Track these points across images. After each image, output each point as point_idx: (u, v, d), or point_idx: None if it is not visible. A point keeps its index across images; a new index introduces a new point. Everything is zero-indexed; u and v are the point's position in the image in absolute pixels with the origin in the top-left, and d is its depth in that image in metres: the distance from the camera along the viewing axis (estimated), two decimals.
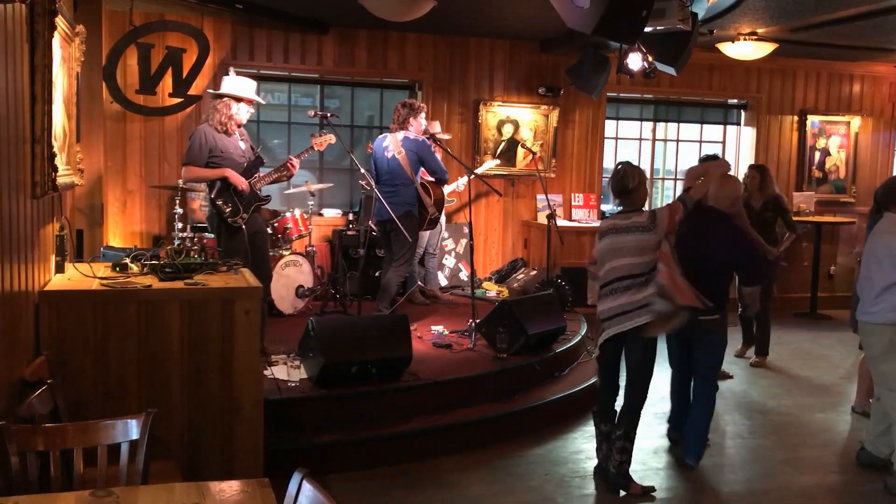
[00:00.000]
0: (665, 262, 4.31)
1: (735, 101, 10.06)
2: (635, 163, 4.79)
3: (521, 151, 8.91)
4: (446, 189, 7.79)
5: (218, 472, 3.71)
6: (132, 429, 2.64)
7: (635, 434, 4.45)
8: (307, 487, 2.09)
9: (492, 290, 8.24)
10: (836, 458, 5.09)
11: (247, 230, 5.61)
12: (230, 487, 2.31)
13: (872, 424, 4.91)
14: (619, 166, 4.50)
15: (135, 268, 4.14)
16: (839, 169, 10.22)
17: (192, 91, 7.73)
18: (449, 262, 8.70)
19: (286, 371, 5.12)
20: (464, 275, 8.69)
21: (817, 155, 10.13)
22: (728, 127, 10.23)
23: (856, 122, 10.21)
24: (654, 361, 4.41)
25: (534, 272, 8.30)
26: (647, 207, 4.55)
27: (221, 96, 5.69)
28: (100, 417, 2.79)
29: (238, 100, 5.66)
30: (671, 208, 4.35)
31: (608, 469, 4.51)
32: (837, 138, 10.19)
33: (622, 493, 4.43)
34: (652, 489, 4.51)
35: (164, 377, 3.67)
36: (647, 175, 4.78)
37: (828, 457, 5.10)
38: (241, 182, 5.60)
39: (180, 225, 6.54)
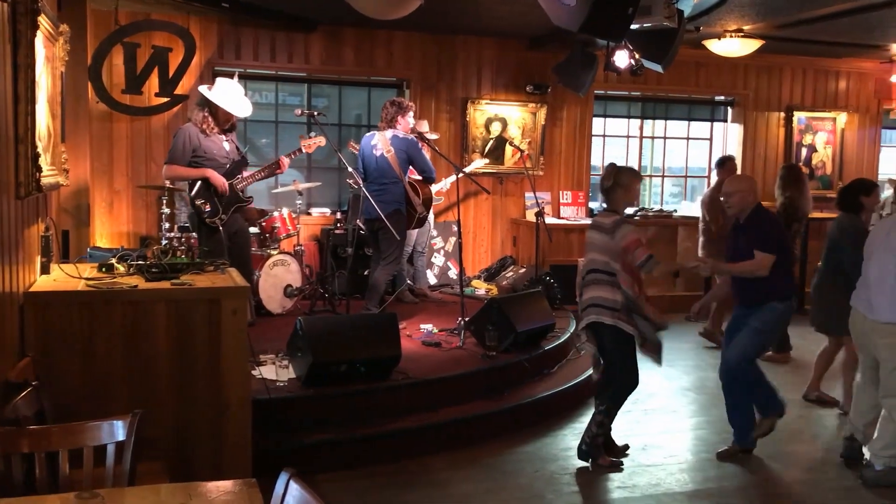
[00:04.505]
0: (632, 275, 4.57)
1: (722, 97, 10.09)
2: (622, 161, 4.91)
3: (509, 149, 8.92)
4: (434, 187, 7.79)
5: (206, 472, 3.69)
6: (118, 430, 2.62)
7: (615, 413, 4.74)
8: (294, 487, 2.08)
9: (481, 288, 8.24)
10: (822, 453, 5.10)
11: (226, 231, 5.63)
12: (217, 488, 2.30)
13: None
14: (608, 166, 4.81)
15: (121, 268, 4.12)
16: (826, 165, 10.27)
17: (179, 90, 7.69)
18: (438, 260, 8.70)
19: (274, 371, 5.09)
20: (453, 273, 8.69)
21: (804, 151, 10.18)
22: (715, 124, 10.27)
23: (842, 118, 10.27)
24: (630, 351, 4.64)
25: (523, 270, 8.31)
26: (630, 210, 4.74)
27: (207, 102, 5.71)
28: (87, 419, 2.77)
29: (219, 111, 5.69)
30: (636, 243, 4.54)
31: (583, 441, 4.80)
32: (824, 134, 10.25)
33: (590, 462, 4.75)
34: (620, 464, 4.78)
35: (151, 378, 3.65)
36: (638, 177, 4.85)
37: (814, 452, 5.12)
38: (222, 183, 5.62)
39: (167, 225, 6.54)
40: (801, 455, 5.04)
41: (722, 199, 5.03)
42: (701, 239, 7.85)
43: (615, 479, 4.62)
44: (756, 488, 4.57)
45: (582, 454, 4.78)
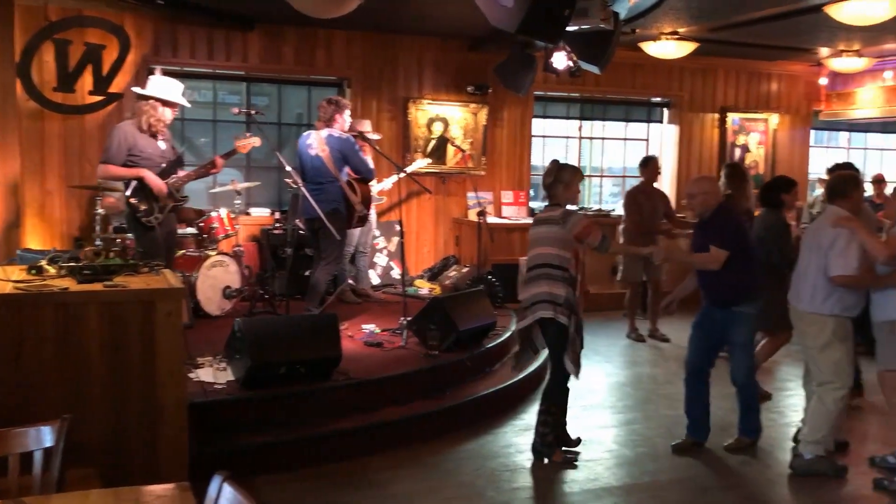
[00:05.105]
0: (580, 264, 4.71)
1: (658, 99, 10.30)
2: (563, 160, 4.99)
3: (451, 149, 8.95)
4: (377, 187, 7.77)
5: (141, 477, 3.62)
6: (45, 436, 2.56)
7: (557, 409, 4.82)
8: (228, 490, 2.06)
9: (424, 287, 8.25)
10: (763, 441, 5.20)
11: (161, 230, 5.56)
12: (149, 492, 2.27)
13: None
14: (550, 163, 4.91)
15: (51, 270, 4.01)
16: (759, 165, 10.56)
17: (114, 89, 7.56)
18: (381, 260, 8.68)
19: (212, 373, 5.03)
20: (396, 273, 8.68)
21: (737, 151, 10.45)
22: (652, 125, 10.47)
23: (774, 119, 10.57)
24: (565, 346, 4.68)
25: (465, 269, 8.34)
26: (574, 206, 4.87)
27: (148, 98, 5.63)
28: (16, 425, 2.69)
29: (165, 103, 5.62)
30: (591, 226, 4.68)
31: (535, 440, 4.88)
32: (757, 135, 10.53)
33: (545, 460, 4.82)
34: (574, 458, 4.85)
35: (84, 382, 3.57)
36: (578, 175, 4.94)
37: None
38: (157, 184, 5.55)
39: (101, 226, 6.41)
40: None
41: (685, 200, 5.15)
42: (621, 239, 7.98)
43: (555, 475, 4.68)
44: (691, 480, 4.68)
45: (536, 453, 4.86)
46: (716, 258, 4.78)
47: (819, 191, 9.38)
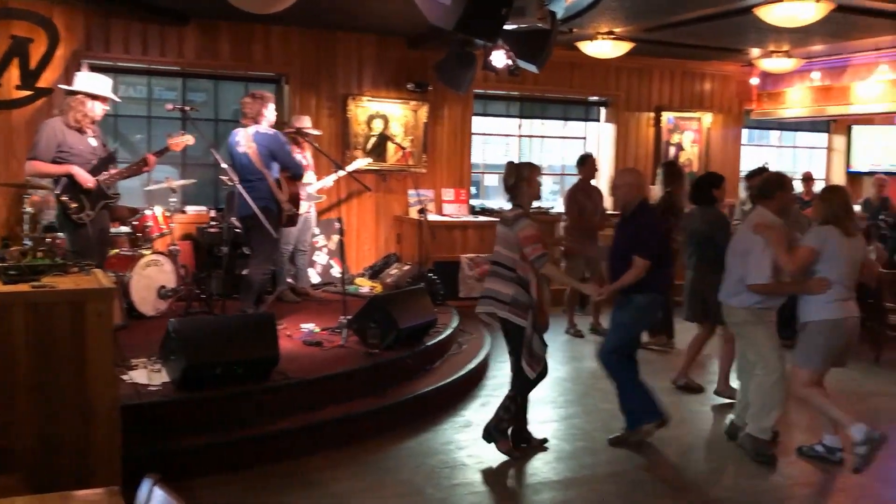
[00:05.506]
0: (532, 269, 4.73)
1: (596, 98, 10.43)
2: (503, 159, 5.05)
3: (391, 146, 8.93)
4: (317, 185, 7.69)
5: (72, 482, 3.52)
6: None
7: (519, 400, 4.93)
8: (158, 493, 2.03)
9: (365, 286, 8.21)
10: (691, 437, 5.36)
11: (92, 228, 5.43)
12: (77, 498, 2.21)
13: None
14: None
15: None
16: (692, 163, 10.78)
17: (42, 83, 7.31)
18: (321, 258, 8.61)
19: (146, 375, 4.92)
20: (336, 271, 8.62)
21: (672, 150, 10.66)
22: (589, 123, 10.61)
23: (707, 118, 10.82)
24: (521, 344, 4.76)
25: (407, 267, 8.34)
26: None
27: (75, 93, 5.49)
28: None
29: (93, 97, 5.49)
30: (534, 238, 4.68)
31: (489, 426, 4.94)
32: (691, 133, 10.76)
33: (492, 444, 4.89)
34: (517, 453, 4.88)
35: (9, 386, 3.45)
36: (536, 169, 5.00)
37: (684, 436, 5.35)
38: (87, 180, 5.42)
39: (30, 225, 6.23)
40: (671, 439, 5.25)
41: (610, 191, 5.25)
42: (563, 235, 8.13)
43: (494, 470, 4.72)
44: (627, 474, 4.76)
45: (486, 435, 4.90)
46: (641, 271, 4.88)
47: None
